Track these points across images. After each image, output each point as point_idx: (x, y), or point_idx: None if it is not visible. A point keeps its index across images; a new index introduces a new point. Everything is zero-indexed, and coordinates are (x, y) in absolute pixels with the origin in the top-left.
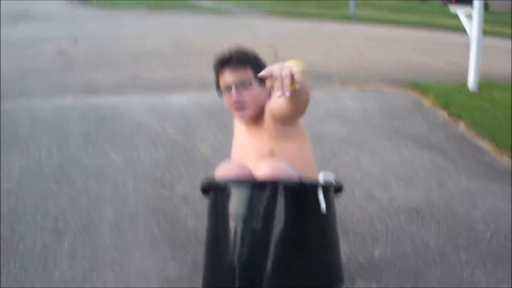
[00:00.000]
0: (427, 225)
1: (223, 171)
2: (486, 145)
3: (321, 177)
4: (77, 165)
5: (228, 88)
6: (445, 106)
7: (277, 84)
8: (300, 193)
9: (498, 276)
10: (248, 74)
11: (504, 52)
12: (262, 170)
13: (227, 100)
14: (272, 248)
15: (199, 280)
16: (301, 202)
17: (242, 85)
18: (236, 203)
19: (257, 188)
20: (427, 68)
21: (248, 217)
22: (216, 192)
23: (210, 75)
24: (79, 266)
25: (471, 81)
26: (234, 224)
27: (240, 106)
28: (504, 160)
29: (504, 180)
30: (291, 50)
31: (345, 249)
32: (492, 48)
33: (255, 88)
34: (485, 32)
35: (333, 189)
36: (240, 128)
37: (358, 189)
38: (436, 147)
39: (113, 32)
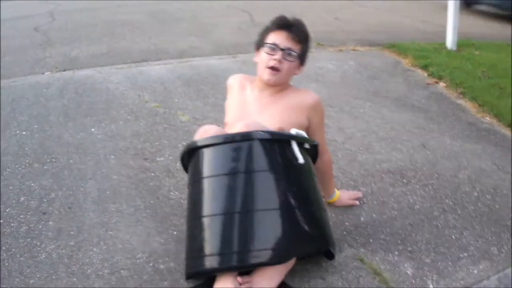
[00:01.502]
0: (412, 188)
1: (199, 136)
2: (467, 104)
3: (293, 131)
4: (58, 142)
5: (276, 48)
6: (425, 66)
7: None
8: (274, 144)
9: (487, 237)
10: (298, 48)
11: (482, 11)
12: (236, 128)
13: (266, 57)
14: (255, 205)
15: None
16: (277, 153)
17: (289, 54)
18: (211, 162)
19: (230, 142)
20: (403, 28)
21: (228, 174)
22: (193, 155)
23: (186, 43)
24: (65, 246)
25: (450, 41)
26: (214, 183)
27: (276, 69)
28: (486, 119)
29: (486, 140)
30: (266, 14)
31: (331, 214)
32: (470, 9)
33: (294, 64)
34: None
35: (309, 148)
36: (247, 90)
37: (341, 153)
38: (418, 108)
39: (88, 5)
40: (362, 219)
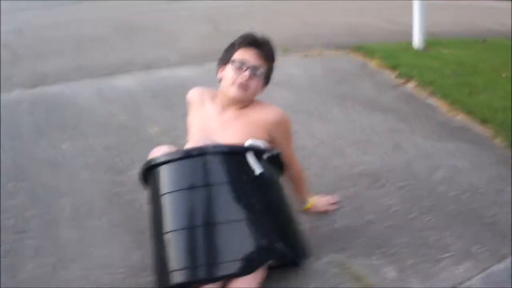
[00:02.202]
0: (387, 190)
1: (153, 154)
2: (438, 103)
3: (248, 142)
4: (31, 159)
5: (243, 65)
6: (392, 67)
7: None
8: (229, 157)
9: (468, 237)
10: (265, 67)
11: (447, 9)
12: (189, 145)
13: (234, 73)
14: (216, 217)
15: None
16: (233, 166)
17: (256, 72)
18: (167, 179)
19: (185, 157)
20: (369, 30)
21: (186, 188)
22: (149, 174)
23: (153, 55)
24: (45, 264)
25: (416, 40)
26: (172, 199)
27: (243, 87)
28: (457, 117)
29: (459, 138)
30: (231, 22)
31: (306, 221)
32: (433, 4)
33: (260, 82)
34: None
35: (269, 157)
36: (208, 105)
37: (313, 158)
38: (388, 109)
39: (54, 20)
40: (338, 224)
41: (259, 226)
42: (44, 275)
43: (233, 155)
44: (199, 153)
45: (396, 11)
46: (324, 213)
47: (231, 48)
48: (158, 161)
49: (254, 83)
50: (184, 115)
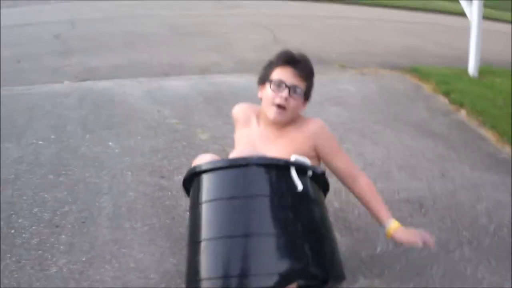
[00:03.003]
0: (430, 218)
1: (196, 162)
2: (487, 134)
3: (293, 158)
4: (74, 154)
5: (281, 85)
6: (446, 93)
7: None
8: (271, 170)
9: (502, 273)
10: (304, 85)
11: (503, 37)
12: (233, 155)
13: (272, 94)
14: (252, 229)
15: None
16: (275, 179)
17: (295, 91)
18: (208, 187)
19: (228, 167)
20: (424, 52)
21: (225, 198)
22: (191, 181)
23: (208, 59)
24: (76, 261)
25: (472, 67)
26: (211, 208)
27: (283, 107)
28: (505, 150)
29: (505, 171)
30: (288, 33)
31: (347, 244)
32: (491, 33)
33: (300, 100)
34: (484, 17)
35: (314, 175)
36: (252, 123)
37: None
38: (438, 135)
39: (106, 14)
40: (378, 249)
41: (295, 244)
42: (75, 272)
43: (277, 169)
44: (243, 164)
45: (452, 36)
46: (367, 238)
47: (269, 67)
48: (202, 168)
49: (293, 103)
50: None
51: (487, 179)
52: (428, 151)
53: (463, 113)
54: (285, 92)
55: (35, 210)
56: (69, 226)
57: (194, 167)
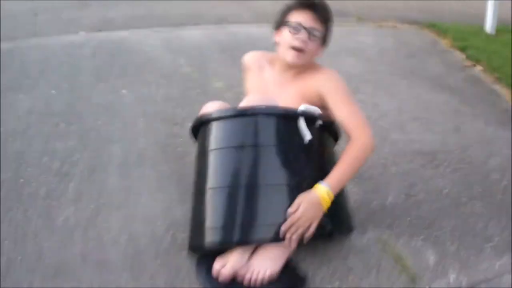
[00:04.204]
0: (442, 171)
1: (205, 110)
2: (502, 91)
3: (302, 107)
4: (87, 103)
5: (299, 27)
6: (463, 48)
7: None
8: (280, 120)
9: None
10: (322, 29)
11: None
12: (242, 104)
13: (289, 37)
14: (260, 179)
15: None
16: (283, 129)
17: (313, 34)
18: (216, 135)
19: (236, 116)
20: (442, 9)
21: (233, 147)
22: (199, 129)
23: (225, 10)
24: (84, 210)
25: (489, 25)
26: (219, 156)
27: (301, 49)
28: None
29: None
30: None
31: (358, 193)
32: None
33: (318, 44)
34: None
35: (323, 125)
36: (266, 70)
37: (373, 130)
38: (453, 89)
39: None
40: (389, 199)
41: (298, 193)
42: (82, 220)
43: (285, 119)
44: (251, 113)
45: None
46: (376, 186)
47: (286, 11)
48: (210, 117)
49: (311, 45)
50: None
51: (500, 135)
52: (443, 105)
53: (478, 69)
54: (303, 35)
55: (45, 159)
56: (79, 174)
57: (202, 116)
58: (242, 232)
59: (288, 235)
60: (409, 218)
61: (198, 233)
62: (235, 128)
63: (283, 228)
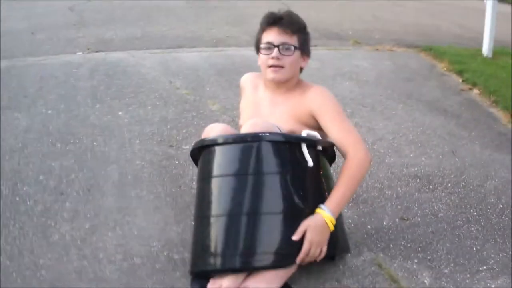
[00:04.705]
0: (438, 195)
1: (206, 134)
2: (499, 114)
3: (304, 133)
4: (84, 123)
5: (270, 46)
6: (460, 72)
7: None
8: (283, 146)
9: (508, 251)
10: (294, 40)
11: None
12: (245, 128)
13: (265, 58)
14: (262, 208)
15: None
16: (286, 156)
17: (285, 48)
18: (220, 161)
19: (240, 142)
20: (439, 32)
21: (236, 174)
22: (199, 153)
23: (222, 31)
24: (80, 228)
25: (486, 47)
26: (221, 183)
27: (277, 67)
28: None
29: None
30: (304, 8)
31: (353, 216)
32: (505, 14)
33: (295, 57)
34: None
35: (323, 150)
36: (260, 90)
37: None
38: (450, 113)
39: None
40: (384, 223)
41: (301, 220)
42: (77, 240)
43: (287, 144)
44: (254, 139)
45: (467, 16)
46: (372, 210)
47: (259, 33)
48: (213, 142)
49: (288, 59)
50: None
51: (497, 158)
52: (439, 128)
53: (475, 92)
54: (275, 52)
55: (41, 177)
56: (74, 193)
57: (205, 140)
58: (243, 259)
59: (303, 263)
60: (404, 241)
61: (200, 258)
62: (239, 155)
63: (298, 261)
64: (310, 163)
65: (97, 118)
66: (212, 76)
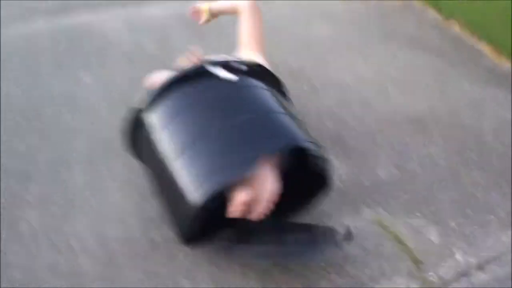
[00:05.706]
0: (433, 139)
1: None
2: (484, 48)
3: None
4: (48, 95)
5: None
6: (436, 5)
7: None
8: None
9: None
10: None
11: None
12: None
13: None
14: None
15: None
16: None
17: None
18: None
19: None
20: None
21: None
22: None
23: None
24: (50, 214)
25: None
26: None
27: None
28: (503, 64)
29: (505, 86)
30: None
31: (347, 171)
32: None
33: None
34: None
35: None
36: None
37: (354, 99)
38: (433, 50)
39: None
40: (381, 175)
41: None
42: (47, 227)
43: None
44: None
45: None
46: (364, 160)
47: None
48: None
49: None
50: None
51: (487, 95)
52: (424, 67)
53: (456, 26)
54: None
55: (3, 160)
56: (41, 176)
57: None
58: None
59: None
60: (404, 194)
61: (199, 186)
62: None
63: None
64: (222, 75)
65: (61, 87)
66: (180, 30)
